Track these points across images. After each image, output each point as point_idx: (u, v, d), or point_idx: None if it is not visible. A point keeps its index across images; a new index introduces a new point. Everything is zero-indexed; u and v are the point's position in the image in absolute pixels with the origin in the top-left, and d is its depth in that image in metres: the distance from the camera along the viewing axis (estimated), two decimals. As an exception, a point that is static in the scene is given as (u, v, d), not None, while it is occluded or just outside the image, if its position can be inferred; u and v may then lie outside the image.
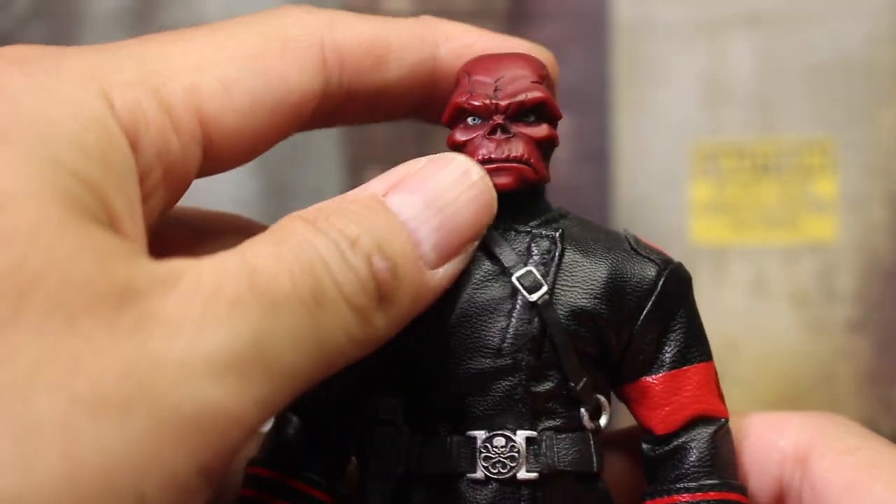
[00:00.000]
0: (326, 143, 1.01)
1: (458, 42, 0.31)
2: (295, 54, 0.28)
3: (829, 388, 0.92)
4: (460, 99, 0.29)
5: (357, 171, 1.07)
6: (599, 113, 1.00)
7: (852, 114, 0.92)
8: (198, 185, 0.28)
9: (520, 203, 0.30)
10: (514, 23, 1.00)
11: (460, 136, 0.29)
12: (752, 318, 0.93)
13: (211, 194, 0.29)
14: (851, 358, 0.92)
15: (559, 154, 1.16)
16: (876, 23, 0.91)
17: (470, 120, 0.29)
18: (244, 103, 0.27)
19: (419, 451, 0.28)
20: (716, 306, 0.93)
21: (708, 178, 0.94)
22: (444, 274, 0.26)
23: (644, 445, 0.29)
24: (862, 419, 0.93)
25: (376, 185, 0.27)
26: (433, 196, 0.26)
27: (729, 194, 0.94)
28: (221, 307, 0.21)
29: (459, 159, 0.27)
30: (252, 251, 0.23)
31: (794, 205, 0.93)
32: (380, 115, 0.32)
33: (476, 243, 0.27)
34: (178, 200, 0.27)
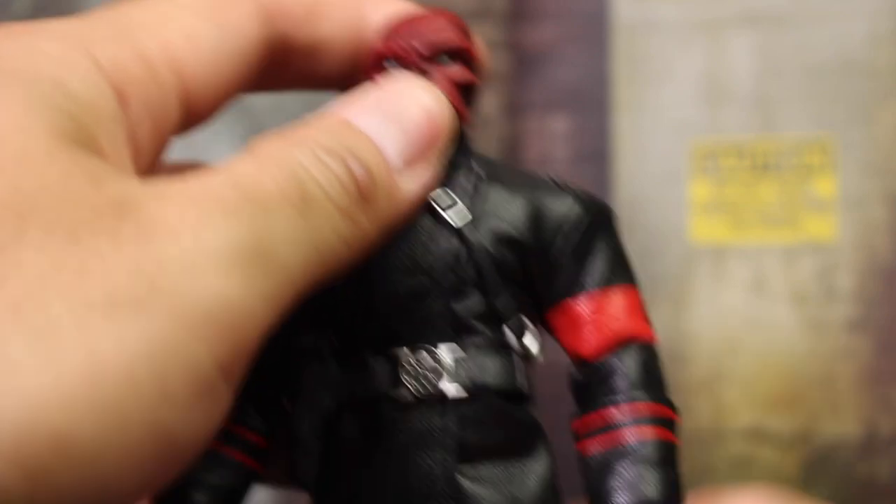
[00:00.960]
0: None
1: (389, 8, 0.32)
2: (240, 1, 0.29)
3: (829, 388, 0.92)
4: (379, 45, 0.30)
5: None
6: (599, 113, 1.00)
7: (852, 114, 0.92)
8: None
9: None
10: (514, 22, 1.00)
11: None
12: (752, 317, 0.93)
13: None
14: (851, 358, 0.92)
15: (559, 154, 1.16)
16: (876, 23, 0.91)
17: (389, 65, 0.30)
18: (207, 53, 0.28)
19: (346, 380, 0.29)
20: (716, 306, 0.93)
21: (707, 177, 0.94)
22: (412, 180, 0.27)
23: (574, 374, 0.29)
24: (862, 419, 0.94)
25: (332, 109, 0.28)
26: (387, 108, 0.28)
27: (728, 194, 0.94)
28: (216, 210, 0.22)
29: (404, 76, 0.29)
30: (232, 165, 0.24)
31: (793, 204, 0.93)
32: (318, 76, 0.33)
33: (441, 151, 0.28)
34: (160, 156, 0.28)
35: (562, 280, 0.29)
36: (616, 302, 0.29)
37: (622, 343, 0.29)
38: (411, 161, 0.27)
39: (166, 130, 0.27)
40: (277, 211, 0.23)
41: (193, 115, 0.28)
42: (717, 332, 0.93)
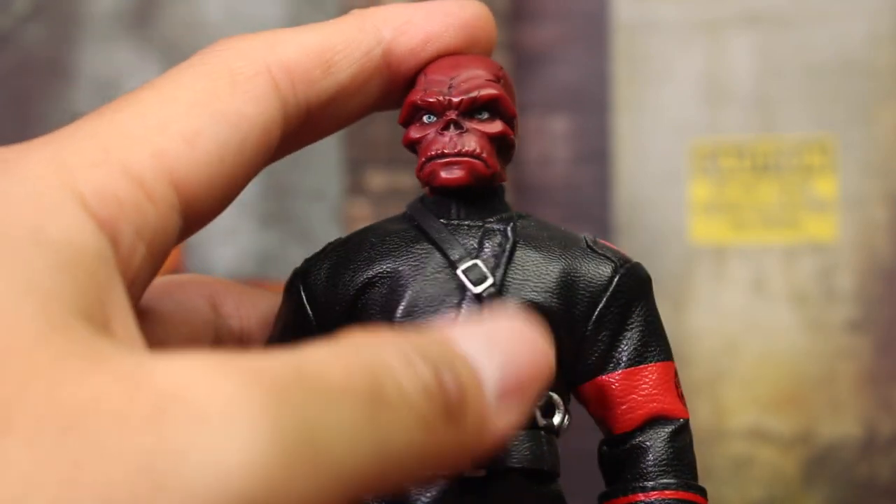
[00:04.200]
0: (326, 143, 1.01)
1: (397, 20, 0.31)
2: (245, 87, 0.27)
3: (829, 388, 0.92)
4: (415, 97, 0.29)
5: (357, 171, 1.07)
6: (599, 113, 1.00)
7: (852, 114, 0.92)
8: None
9: (474, 200, 0.30)
10: (514, 23, 1.00)
11: (415, 134, 0.29)
12: (752, 317, 0.93)
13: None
14: (851, 358, 0.92)
15: (559, 154, 1.16)
16: (876, 23, 0.91)
17: (425, 118, 0.29)
18: (210, 153, 0.25)
19: None
20: (716, 306, 0.93)
21: (708, 177, 0.94)
22: (503, 415, 0.24)
23: (602, 447, 0.29)
24: (862, 419, 0.94)
25: (437, 327, 0.27)
26: (494, 338, 0.26)
27: (729, 194, 0.94)
28: (262, 391, 0.19)
29: (520, 318, 0.28)
30: (303, 350, 0.22)
31: (794, 205, 0.93)
32: (346, 118, 0.31)
33: (532, 400, 0.27)
34: (159, 270, 0.26)
35: (594, 355, 0.28)
36: (649, 380, 0.29)
37: (652, 422, 0.28)
38: (506, 396, 0.24)
39: (164, 246, 0.25)
40: (337, 401, 0.20)
41: (199, 217, 0.26)
42: (717, 332, 0.93)
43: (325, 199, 1.09)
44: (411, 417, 0.21)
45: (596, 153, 0.99)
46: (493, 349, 0.26)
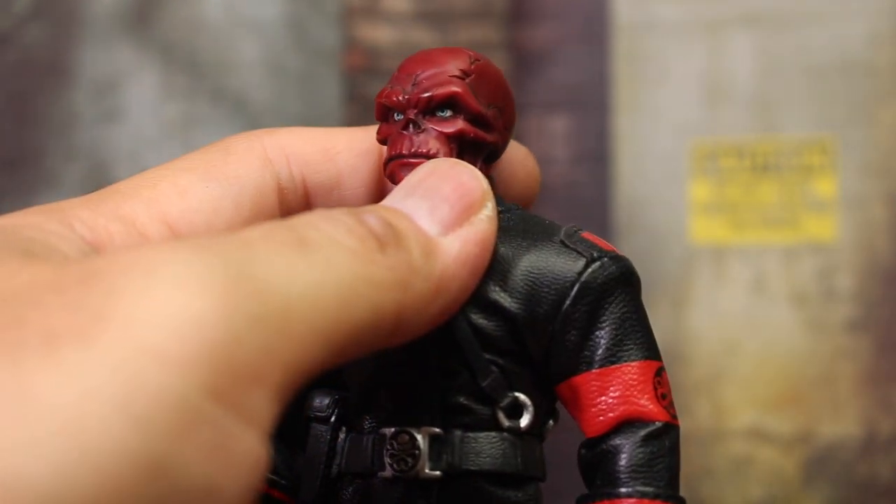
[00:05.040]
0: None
1: None
2: (237, 156, 0.28)
3: (829, 388, 0.92)
4: (381, 96, 0.29)
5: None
6: (599, 113, 1.00)
7: (852, 114, 0.92)
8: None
9: None
10: (514, 22, 1.00)
11: (384, 132, 0.29)
12: (752, 318, 0.93)
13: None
14: (851, 358, 0.92)
15: (559, 154, 1.16)
16: (876, 23, 0.91)
17: (395, 116, 0.29)
18: (202, 202, 0.26)
19: (347, 449, 0.28)
20: (716, 306, 0.93)
21: (708, 177, 0.94)
22: (455, 238, 0.25)
23: (581, 450, 0.28)
24: (862, 419, 0.94)
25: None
26: (410, 188, 0.26)
27: (729, 194, 0.94)
28: (181, 247, 0.20)
29: (428, 163, 0.28)
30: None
31: (794, 205, 0.93)
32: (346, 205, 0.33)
33: (487, 211, 0.26)
34: None
35: (564, 356, 0.27)
36: (622, 381, 0.27)
37: (625, 425, 0.27)
38: (449, 225, 0.26)
39: None
40: (262, 246, 0.21)
41: None
42: (717, 332, 0.93)
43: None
44: (341, 251, 0.22)
45: (596, 153, 0.99)
46: (417, 196, 0.26)
